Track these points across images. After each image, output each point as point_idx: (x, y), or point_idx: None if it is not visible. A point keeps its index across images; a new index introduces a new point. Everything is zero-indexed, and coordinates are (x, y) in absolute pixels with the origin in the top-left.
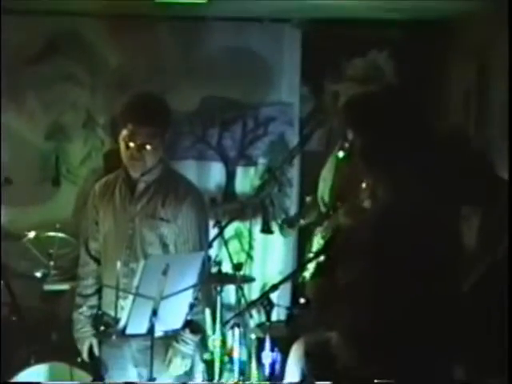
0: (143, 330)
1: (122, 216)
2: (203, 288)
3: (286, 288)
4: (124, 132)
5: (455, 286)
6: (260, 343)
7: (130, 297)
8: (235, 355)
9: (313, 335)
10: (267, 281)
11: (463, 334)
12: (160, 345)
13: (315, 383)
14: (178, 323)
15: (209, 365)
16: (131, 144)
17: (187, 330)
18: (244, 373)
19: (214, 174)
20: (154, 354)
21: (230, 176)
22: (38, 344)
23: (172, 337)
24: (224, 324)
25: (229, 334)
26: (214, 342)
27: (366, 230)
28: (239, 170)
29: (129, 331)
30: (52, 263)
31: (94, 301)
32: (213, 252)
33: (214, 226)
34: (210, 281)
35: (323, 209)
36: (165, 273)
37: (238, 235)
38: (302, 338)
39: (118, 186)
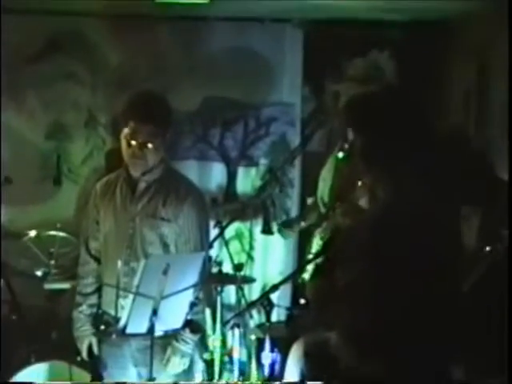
0: (143, 329)
1: (122, 215)
2: (204, 288)
3: (286, 289)
4: (126, 130)
5: (455, 286)
6: (260, 343)
7: (131, 296)
8: (235, 355)
9: (312, 336)
10: (267, 281)
11: (463, 334)
12: (160, 344)
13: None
14: (178, 323)
15: (209, 364)
16: (133, 142)
17: (187, 330)
18: (244, 373)
19: (215, 174)
20: (154, 354)
21: (231, 176)
22: (38, 343)
23: (172, 336)
24: (224, 324)
25: (229, 334)
26: (214, 341)
27: (365, 230)
28: (240, 171)
29: (129, 330)
30: (53, 262)
31: (93, 300)
32: (213, 252)
33: (215, 226)
34: (211, 281)
35: (323, 209)
36: (165, 272)
37: (238, 236)
38: (301, 339)
39: (118, 186)
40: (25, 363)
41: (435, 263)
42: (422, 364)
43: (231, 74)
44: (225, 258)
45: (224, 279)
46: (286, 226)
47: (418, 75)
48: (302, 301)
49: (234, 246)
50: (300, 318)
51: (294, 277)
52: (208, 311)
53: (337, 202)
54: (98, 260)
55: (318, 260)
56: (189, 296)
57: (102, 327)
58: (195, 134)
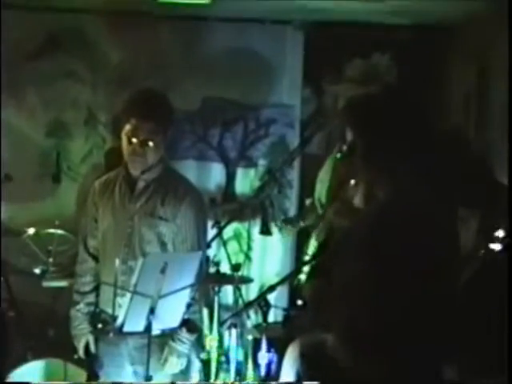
0: (140, 328)
1: (121, 214)
2: (201, 288)
3: (283, 289)
4: (127, 127)
5: (452, 286)
6: (256, 344)
7: (128, 295)
8: (232, 355)
9: (309, 337)
10: (265, 282)
11: (461, 334)
12: (156, 343)
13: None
14: (175, 322)
15: (205, 364)
16: (133, 139)
17: (184, 329)
18: (240, 373)
19: (214, 175)
20: (151, 353)
21: (230, 177)
22: (34, 340)
23: (168, 335)
24: (221, 324)
25: (226, 334)
26: (210, 341)
27: (363, 230)
28: (239, 171)
29: (126, 329)
30: (51, 260)
31: (91, 298)
32: (211, 252)
33: (213, 226)
34: (208, 281)
35: (320, 211)
36: (163, 271)
37: (236, 236)
38: (297, 340)
39: (117, 184)
40: (21, 360)
41: (433, 264)
42: (420, 364)
43: (231, 74)
44: (223, 258)
45: (221, 279)
46: (286, 223)
47: (418, 77)
48: (299, 302)
49: (232, 246)
50: (297, 319)
51: (291, 278)
52: (205, 311)
53: (333, 202)
54: (96, 258)
55: (315, 260)
56: (186, 295)
57: (100, 325)
58: (195, 134)
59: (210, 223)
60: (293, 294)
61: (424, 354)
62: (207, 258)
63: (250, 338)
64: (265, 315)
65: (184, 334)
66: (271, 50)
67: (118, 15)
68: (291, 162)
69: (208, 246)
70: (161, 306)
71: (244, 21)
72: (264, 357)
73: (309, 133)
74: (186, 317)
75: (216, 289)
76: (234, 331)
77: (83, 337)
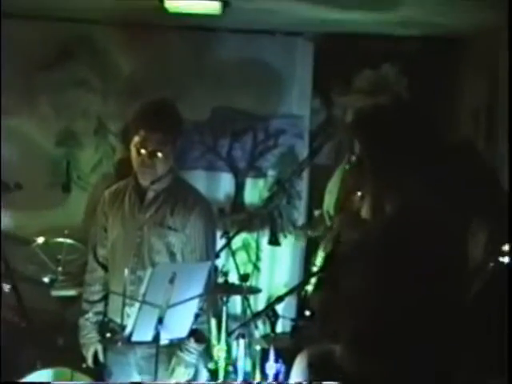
0: (149, 337)
1: (130, 224)
2: (209, 298)
3: (292, 300)
4: (136, 138)
5: (461, 299)
6: (264, 354)
7: (137, 304)
8: (239, 365)
9: (317, 347)
10: (273, 292)
11: (471, 347)
12: (164, 353)
13: None
14: (183, 332)
15: (213, 374)
16: (142, 151)
17: (192, 339)
18: (248, 383)
19: (223, 185)
20: (158, 362)
21: (239, 187)
22: (43, 348)
23: (176, 345)
24: (229, 334)
25: (234, 344)
26: (218, 351)
27: (372, 242)
28: (248, 181)
29: (134, 338)
30: (60, 269)
31: (100, 307)
32: (220, 262)
33: (222, 236)
34: (217, 291)
35: (328, 222)
36: (172, 281)
37: (245, 246)
38: (305, 350)
39: (127, 194)
40: (30, 369)
41: (441, 276)
42: (429, 376)
43: (241, 84)
44: (231, 268)
45: (230, 289)
46: (300, 229)
47: (427, 89)
48: (307, 312)
49: (241, 256)
50: (305, 330)
51: (299, 288)
52: (213, 321)
53: (340, 213)
54: (105, 267)
55: (325, 271)
56: (194, 305)
57: (108, 335)
58: (204, 144)
59: (218, 233)
60: (301, 305)
61: (433, 366)
62: (216, 268)
63: (257, 348)
64: (273, 325)
65: (192, 344)
66: (281, 61)
67: (129, 26)
68: (300, 173)
69: (217, 256)
70: (169, 315)
71: (254, 32)
72: (272, 367)
73: (318, 143)
74: (194, 327)
75: (224, 299)
76: (241, 341)
77: (92, 346)
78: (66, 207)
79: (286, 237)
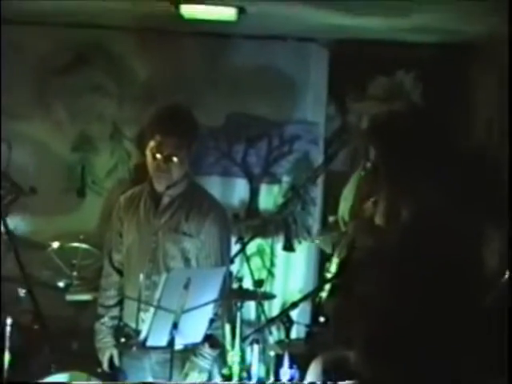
0: (163, 342)
1: (145, 229)
2: (224, 303)
3: (306, 306)
4: (151, 143)
5: (477, 306)
6: (278, 360)
7: (151, 309)
8: (253, 371)
9: (331, 353)
10: (287, 298)
11: (485, 354)
12: (178, 358)
13: None
14: (198, 337)
15: (227, 380)
16: (158, 155)
17: (206, 345)
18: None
19: (238, 191)
20: (173, 367)
21: (254, 193)
22: (58, 352)
23: (191, 350)
24: (243, 340)
25: (248, 349)
26: (232, 357)
27: (387, 249)
28: (263, 187)
29: (149, 343)
30: (75, 274)
31: (115, 312)
32: (234, 268)
33: (237, 242)
34: (231, 296)
35: (344, 228)
36: (186, 287)
37: (260, 252)
38: (320, 356)
39: (142, 199)
40: (45, 373)
41: (456, 283)
42: (443, 382)
43: (256, 90)
44: (245, 273)
45: (244, 295)
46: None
47: (442, 95)
48: (322, 319)
49: (255, 262)
50: (319, 336)
51: (313, 294)
52: (227, 326)
53: (355, 219)
54: (120, 272)
55: (339, 277)
56: (209, 311)
57: (123, 339)
58: (219, 150)
59: (233, 239)
60: (315, 311)
61: (448, 373)
62: (230, 274)
63: (272, 354)
64: (287, 331)
65: (206, 350)
66: (296, 67)
67: (145, 31)
68: (315, 179)
69: (231, 261)
70: (184, 321)
71: (269, 38)
72: (286, 373)
73: (333, 150)
74: (208, 332)
75: (238, 304)
76: (256, 347)
77: (107, 350)
78: (81, 212)
79: (300, 243)
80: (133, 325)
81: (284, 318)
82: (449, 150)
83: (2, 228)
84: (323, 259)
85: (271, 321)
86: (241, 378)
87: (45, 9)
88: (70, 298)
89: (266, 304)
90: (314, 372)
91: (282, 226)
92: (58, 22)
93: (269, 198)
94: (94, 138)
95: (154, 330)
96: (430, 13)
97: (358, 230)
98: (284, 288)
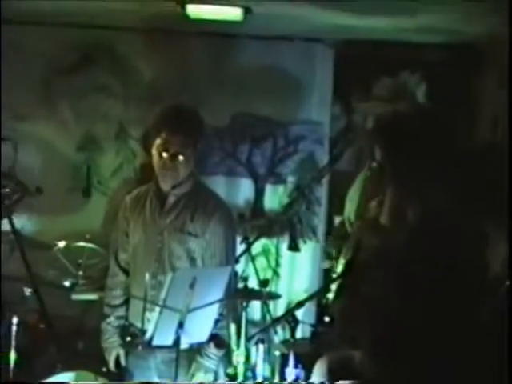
0: (169, 341)
1: (151, 229)
2: (229, 303)
3: (311, 306)
4: (157, 141)
5: (484, 307)
6: (284, 359)
7: (157, 309)
8: (258, 371)
9: (336, 353)
10: (293, 298)
11: (487, 355)
12: (184, 357)
13: None
14: (203, 336)
15: (232, 380)
16: (164, 154)
17: (211, 345)
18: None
19: (243, 191)
20: (178, 367)
21: (259, 193)
22: (63, 352)
23: (196, 350)
24: (248, 339)
25: (253, 349)
26: (237, 357)
27: (394, 249)
28: (268, 187)
29: (155, 342)
30: (81, 273)
31: (121, 311)
32: (240, 268)
33: (242, 241)
34: (236, 296)
35: (350, 229)
36: (192, 286)
37: (265, 252)
38: (325, 355)
39: (148, 199)
40: (51, 372)
41: (466, 283)
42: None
43: (261, 90)
44: (251, 273)
45: (249, 295)
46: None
47: (448, 96)
48: (327, 318)
49: (260, 262)
50: (324, 335)
51: (319, 294)
52: (233, 326)
53: (361, 220)
54: (126, 272)
55: (345, 278)
56: (215, 310)
57: (128, 339)
58: (224, 150)
59: (238, 239)
60: (320, 311)
61: (455, 373)
62: (235, 274)
63: (277, 353)
64: (293, 331)
65: (211, 350)
66: (301, 67)
67: (151, 31)
68: (320, 179)
69: (236, 261)
70: (189, 320)
71: (274, 38)
72: (291, 372)
73: (338, 150)
74: (213, 332)
75: (244, 304)
76: (261, 347)
77: (114, 350)
78: (87, 212)
79: (305, 243)
80: (138, 324)
81: (289, 318)
82: (454, 150)
83: (9, 227)
84: (328, 259)
85: (276, 320)
86: (246, 378)
87: (50, 9)
88: (75, 297)
89: (271, 304)
90: (319, 371)
91: (287, 225)
92: (64, 23)
93: (274, 197)
94: (100, 138)
95: (159, 329)
96: (436, 13)
97: (364, 231)
98: (289, 288)
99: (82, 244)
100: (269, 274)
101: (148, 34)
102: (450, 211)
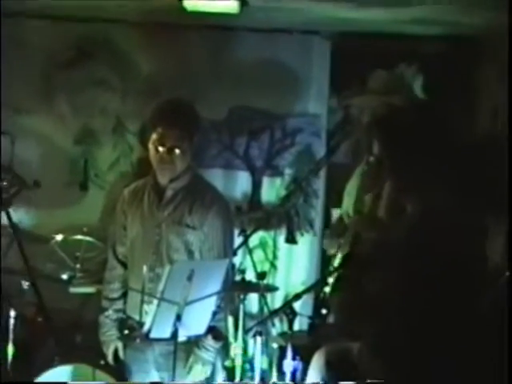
0: (167, 334)
1: (149, 222)
2: (226, 295)
3: (309, 298)
4: (154, 136)
5: (483, 299)
6: (281, 352)
7: (155, 301)
8: (256, 363)
9: (334, 345)
10: (290, 290)
11: (486, 348)
12: (182, 350)
13: None
14: (201, 329)
15: (230, 372)
16: (160, 148)
17: (209, 337)
18: (265, 381)
19: (241, 183)
20: (176, 359)
21: (256, 185)
22: (61, 345)
23: (194, 342)
24: (246, 332)
25: (251, 341)
26: (235, 349)
27: (392, 242)
28: (265, 180)
29: (153, 335)
30: (78, 266)
31: (120, 305)
32: (237, 260)
33: (239, 234)
34: (234, 288)
35: (347, 223)
36: (189, 278)
37: (262, 244)
38: (323, 347)
39: (146, 193)
40: (48, 365)
41: (464, 275)
42: (446, 376)
43: (258, 83)
44: (248, 266)
45: (247, 287)
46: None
47: (446, 89)
48: (324, 311)
49: (258, 254)
50: (322, 327)
51: (316, 286)
52: (230, 319)
53: (359, 214)
54: (124, 265)
55: (342, 271)
56: (212, 302)
57: (126, 332)
58: (221, 143)
59: (236, 231)
60: (318, 303)
61: (453, 366)
62: (233, 266)
63: (274, 346)
64: (290, 323)
65: (209, 342)
66: (298, 60)
67: (148, 25)
68: (317, 172)
69: (234, 254)
70: (187, 312)
71: (271, 31)
72: (289, 365)
73: (335, 142)
74: (211, 324)
75: (241, 297)
76: (258, 339)
77: (112, 343)
78: (84, 205)
79: (302, 235)
80: (136, 317)
81: (287, 310)
82: (452, 143)
83: (6, 221)
84: (325, 251)
85: (274, 313)
86: (244, 370)
87: (48, 3)
88: (73, 290)
89: (268, 296)
90: (317, 364)
91: (285, 218)
92: (61, 16)
93: (271, 190)
94: (97, 132)
95: (157, 321)
96: (433, 5)
97: (362, 225)
98: (286, 280)
99: (79, 237)
100: (266, 267)
101: (145, 28)
102: (449, 204)
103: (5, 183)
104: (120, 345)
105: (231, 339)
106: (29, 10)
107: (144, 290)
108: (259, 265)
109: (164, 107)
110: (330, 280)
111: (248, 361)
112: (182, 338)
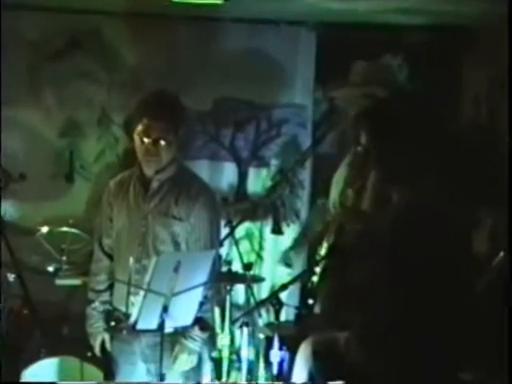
0: (153, 325)
1: (135, 213)
2: (213, 286)
3: (295, 288)
4: (139, 127)
5: (468, 287)
6: (268, 342)
7: (141, 293)
8: (243, 354)
9: (321, 335)
10: (276, 281)
11: (473, 336)
12: (169, 341)
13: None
14: (188, 320)
15: (217, 363)
16: (146, 139)
17: (196, 327)
18: (252, 371)
19: (227, 174)
20: (163, 350)
21: (242, 176)
22: (48, 337)
23: (180, 333)
24: (233, 323)
25: (237, 332)
26: (222, 340)
27: (379, 232)
28: (251, 171)
29: (139, 326)
30: (64, 258)
31: (106, 296)
32: (223, 251)
33: (226, 225)
34: (220, 279)
35: (334, 213)
36: (176, 270)
37: (248, 235)
38: (310, 338)
39: (132, 184)
40: (35, 358)
41: (449, 265)
42: (435, 364)
43: (244, 74)
44: (235, 257)
45: (233, 278)
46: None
47: (433, 79)
48: (310, 301)
49: (244, 245)
50: (309, 317)
51: (303, 277)
52: (217, 310)
53: (345, 204)
54: (110, 257)
55: (329, 261)
56: (199, 294)
57: (113, 323)
58: (207, 134)
59: (222, 222)
60: (304, 293)
61: (440, 354)
62: (219, 257)
63: (261, 336)
64: (277, 314)
65: (196, 332)
66: (284, 51)
67: (134, 17)
68: (303, 162)
69: (220, 245)
70: (174, 304)
71: (257, 22)
72: (276, 355)
73: (321, 133)
74: (198, 315)
75: (228, 288)
76: (245, 330)
77: (99, 335)
78: (70, 197)
79: (288, 226)
80: (123, 308)
81: (273, 301)
82: (437, 132)
83: None
84: (312, 242)
85: (260, 303)
86: (231, 361)
87: None
88: (59, 282)
89: (255, 287)
90: (303, 354)
91: (271, 209)
92: (48, 7)
93: (257, 181)
94: (82, 124)
95: (143, 313)
96: None
97: (348, 215)
98: (273, 271)
99: (65, 229)
100: (252, 258)
101: (130, 19)
102: (434, 194)
103: None
104: (107, 336)
105: (218, 330)
106: (16, 2)
107: (130, 282)
108: (245, 256)
109: (149, 99)
110: (317, 270)
111: (235, 351)
112: (168, 329)
